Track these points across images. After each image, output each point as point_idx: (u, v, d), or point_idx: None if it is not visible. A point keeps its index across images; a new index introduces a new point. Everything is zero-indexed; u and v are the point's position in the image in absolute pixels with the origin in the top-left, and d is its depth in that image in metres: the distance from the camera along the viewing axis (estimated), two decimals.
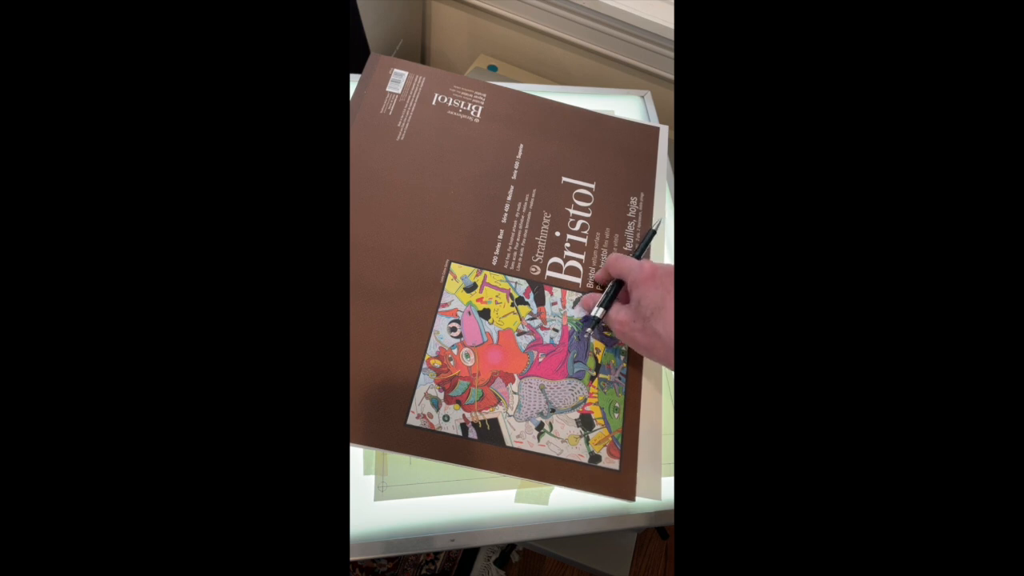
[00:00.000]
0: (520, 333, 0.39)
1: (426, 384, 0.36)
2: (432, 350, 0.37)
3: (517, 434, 0.35)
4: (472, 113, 0.47)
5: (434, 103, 0.47)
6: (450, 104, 0.47)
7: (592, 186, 0.46)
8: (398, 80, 0.47)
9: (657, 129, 0.52)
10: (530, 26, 0.98)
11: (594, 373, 0.38)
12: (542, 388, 0.37)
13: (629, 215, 0.45)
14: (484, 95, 0.48)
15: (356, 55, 0.87)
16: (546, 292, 0.40)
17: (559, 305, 0.40)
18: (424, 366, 0.36)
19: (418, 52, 1.15)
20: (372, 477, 0.36)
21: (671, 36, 0.84)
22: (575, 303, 0.40)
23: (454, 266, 0.40)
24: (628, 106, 0.59)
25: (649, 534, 1.00)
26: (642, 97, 0.61)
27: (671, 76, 0.91)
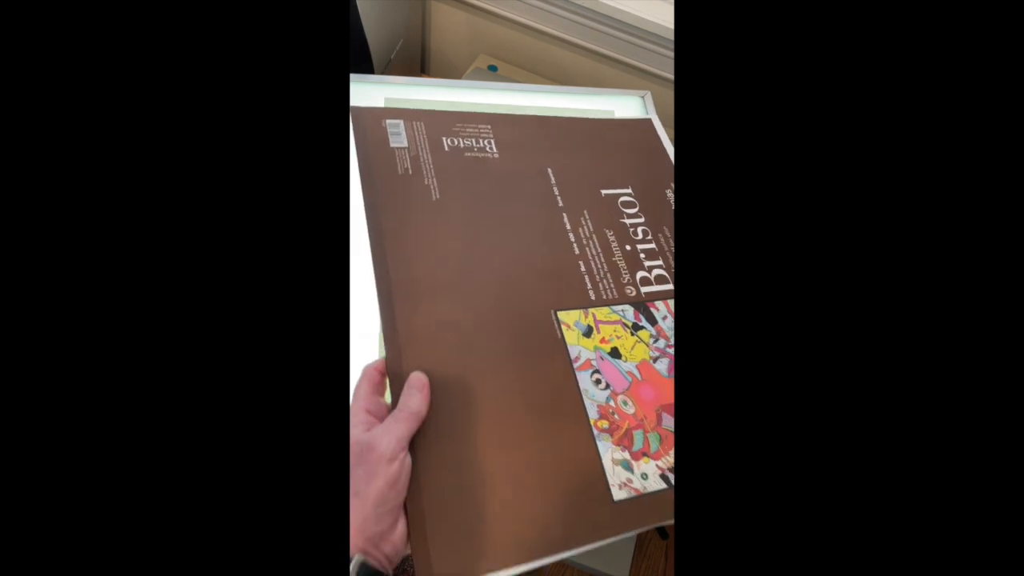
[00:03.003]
0: (655, 360, 0.36)
1: (608, 450, 0.32)
2: (592, 412, 0.33)
3: None
4: (487, 148, 0.44)
5: (447, 148, 0.43)
6: (462, 145, 0.44)
7: (629, 190, 0.44)
8: (397, 131, 0.43)
9: (649, 121, 0.52)
10: (530, 26, 0.98)
11: None
12: None
13: (673, 208, 0.44)
14: (488, 126, 0.46)
15: (356, 55, 0.87)
16: (652, 309, 0.38)
17: (670, 317, 0.38)
18: (595, 432, 0.32)
19: (418, 52, 1.15)
20: None
21: (671, 36, 0.84)
22: None
23: (561, 315, 0.36)
24: (628, 106, 0.59)
25: (649, 534, 1.00)
26: (642, 97, 0.61)
27: (671, 76, 0.91)
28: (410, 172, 0.40)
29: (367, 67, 0.90)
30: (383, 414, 0.28)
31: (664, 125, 0.58)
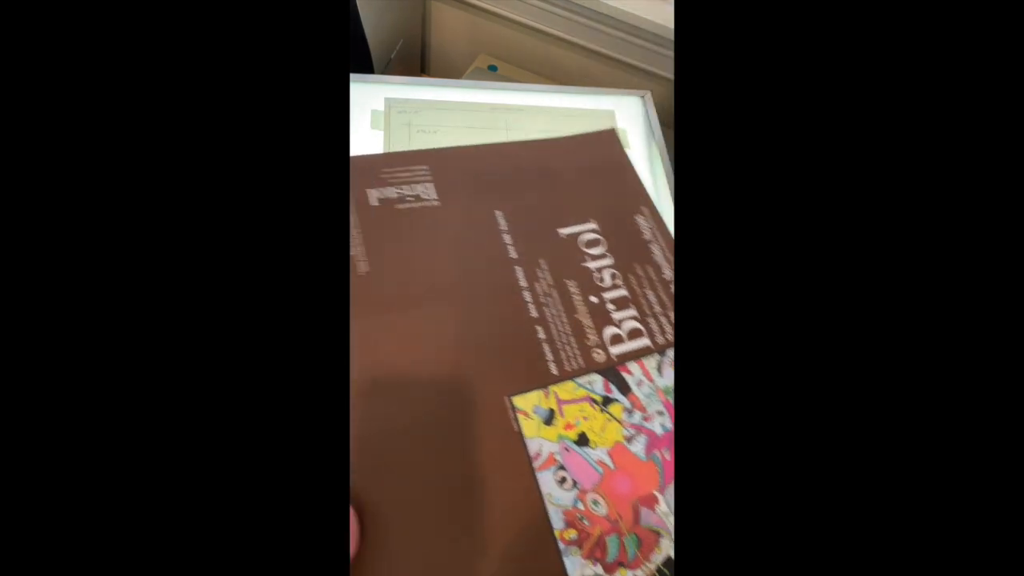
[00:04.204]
0: (629, 440, 0.30)
1: (576, 568, 0.27)
2: (557, 522, 0.28)
3: None
4: (425, 195, 0.36)
5: (375, 202, 0.35)
6: (394, 195, 0.35)
7: (593, 225, 0.37)
8: None
9: (612, 132, 0.45)
10: (530, 26, 0.98)
11: None
12: None
13: (646, 238, 0.38)
14: (426, 167, 0.37)
15: (356, 55, 0.87)
16: (624, 375, 0.32)
17: (646, 382, 0.32)
18: (560, 547, 0.27)
19: (418, 52, 1.15)
20: None
21: (671, 36, 0.84)
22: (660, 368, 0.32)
23: (516, 400, 0.30)
24: (628, 106, 0.59)
25: None
26: (642, 97, 0.61)
27: (671, 76, 0.91)
28: None
29: (367, 67, 0.90)
30: None
31: (664, 125, 0.58)
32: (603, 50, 0.94)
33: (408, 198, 0.36)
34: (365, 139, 0.56)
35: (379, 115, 0.58)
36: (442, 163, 0.38)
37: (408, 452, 0.28)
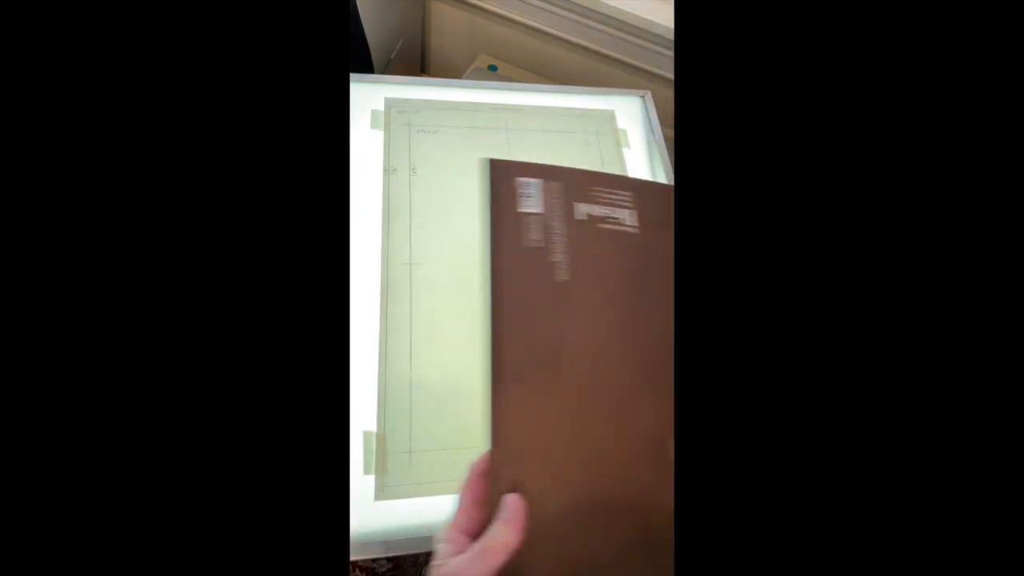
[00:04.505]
0: None
1: None
2: None
3: None
4: (626, 220, 0.37)
5: (580, 216, 0.36)
6: (599, 214, 0.37)
7: None
8: (529, 193, 0.36)
9: None
10: (530, 26, 0.98)
11: None
12: None
13: None
14: (629, 194, 0.38)
15: (356, 55, 0.87)
16: None
17: None
18: None
19: (418, 52, 1.15)
20: (372, 477, 0.36)
21: (671, 36, 0.84)
22: None
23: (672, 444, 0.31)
24: (628, 106, 0.59)
25: None
26: (642, 97, 0.61)
27: (671, 76, 0.91)
28: (538, 244, 0.34)
29: (367, 67, 0.90)
30: (478, 531, 0.25)
31: (664, 125, 0.58)
32: (603, 50, 0.94)
33: (611, 219, 0.37)
34: (365, 139, 0.56)
35: (379, 115, 0.58)
36: (645, 194, 0.39)
37: (568, 458, 0.29)
